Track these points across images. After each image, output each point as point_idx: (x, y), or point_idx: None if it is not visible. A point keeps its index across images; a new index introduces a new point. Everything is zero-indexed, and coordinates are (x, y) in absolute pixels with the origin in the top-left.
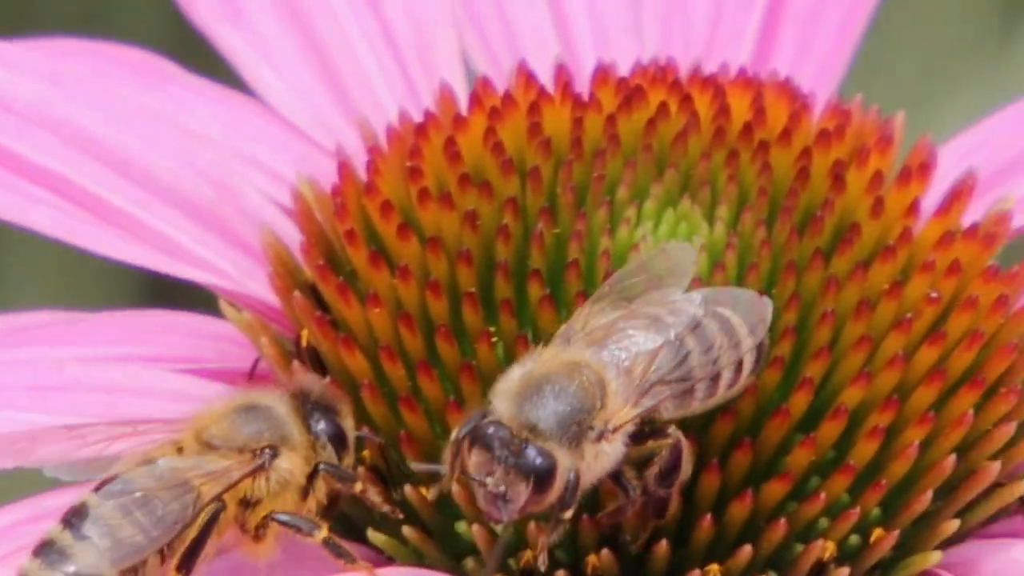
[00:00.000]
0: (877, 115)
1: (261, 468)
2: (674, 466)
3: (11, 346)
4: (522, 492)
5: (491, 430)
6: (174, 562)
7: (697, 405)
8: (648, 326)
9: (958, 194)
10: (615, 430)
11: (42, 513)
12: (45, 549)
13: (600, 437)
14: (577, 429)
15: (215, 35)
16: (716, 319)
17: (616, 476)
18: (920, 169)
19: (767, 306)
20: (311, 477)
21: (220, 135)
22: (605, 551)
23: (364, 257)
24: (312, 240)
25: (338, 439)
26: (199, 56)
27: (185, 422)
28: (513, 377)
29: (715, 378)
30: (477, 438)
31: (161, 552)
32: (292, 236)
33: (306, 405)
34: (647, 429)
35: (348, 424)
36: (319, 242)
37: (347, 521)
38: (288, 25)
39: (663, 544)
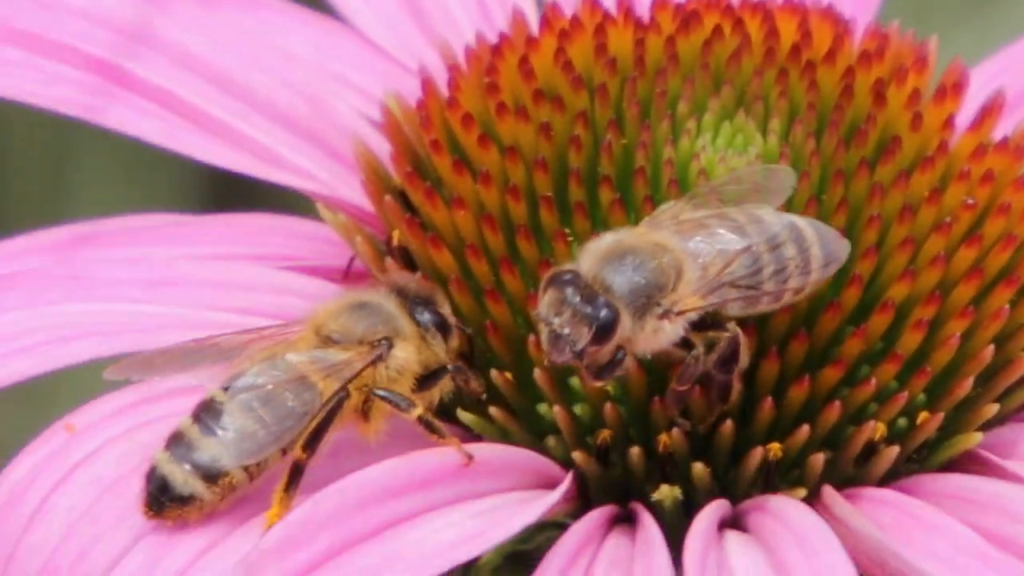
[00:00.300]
0: (913, 39)
1: (380, 358)
2: (732, 356)
3: (124, 245)
4: (583, 336)
5: (568, 277)
6: (299, 445)
7: (761, 308)
8: (735, 230)
9: (989, 110)
10: (679, 314)
11: (151, 396)
12: (175, 441)
13: (664, 316)
14: (645, 301)
15: None
16: (796, 244)
17: (684, 357)
18: (954, 88)
19: (845, 247)
20: (435, 374)
21: (312, 56)
22: (675, 431)
23: (448, 165)
24: (400, 150)
25: (442, 326)
26: None
27: (302, 322)
28: (604, 241)
29: (780, 293)
30: (553, 281)
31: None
32: (381, 147)
33: (408, 299)
34: (710, 321)
35: (447, 311)
36: (406, 152)
37: (440, 404)
38: None
39: (728, 424)
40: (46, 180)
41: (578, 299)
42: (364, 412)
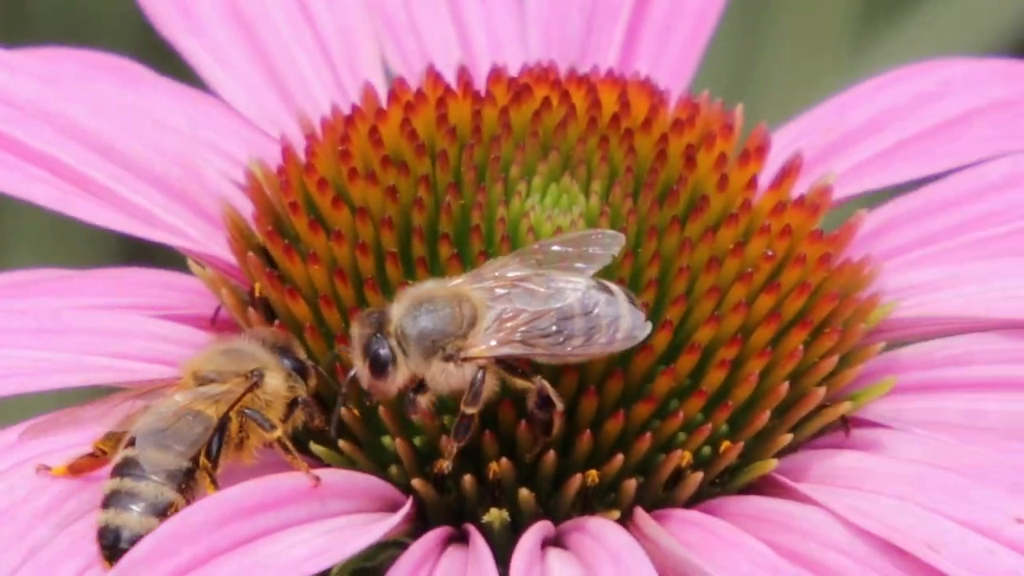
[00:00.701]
0: (721, 107)
1: (255, 384)
2: (546, 400)
3: (15, 297)
4: (363, 368)
5: (370, 316)
6: (203, 459)
7: (568, 361)
8: (540, 293)
9: (788, 171)
10: (465, 359)
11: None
12: (113, 499)
13: (449, 358)
14: (431, 345)
15: (178, 43)
16: (586, 317)
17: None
18: (757, 151)
19: (646, 329)
20: (291, 406)
21: (184, 125)
22: (504, 460)
23: (305, 224)
24: (262, 210)
25: (301, 370)
26: (166, 60)
27: (179, 375)
28: (417, 288)
29: (577, 352)
30: (358, 318)
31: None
32: (246, 208)
33: (269, 346)
34: (519, 370)
35: (302, 356)
36: (268, 212)
37: (294, 438)
38: (238, 34)
39: (551, 454)
40: None
41: (365, 335)
42: (240, 439)
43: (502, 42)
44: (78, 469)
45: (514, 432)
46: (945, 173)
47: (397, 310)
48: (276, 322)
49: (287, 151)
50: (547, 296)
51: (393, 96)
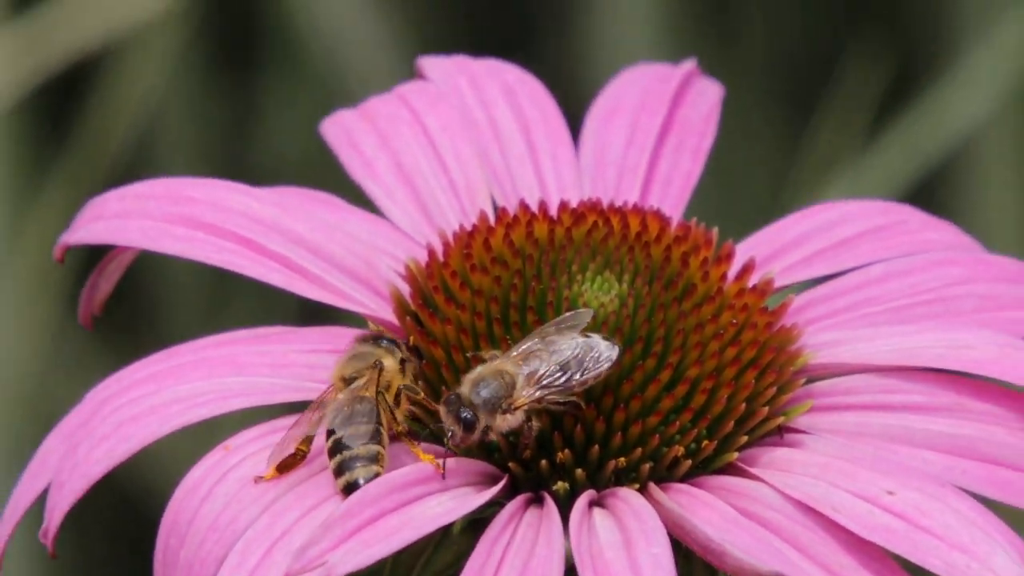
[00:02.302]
0: (705, 228)
1: (382, 369)
2: (575, 407)
3: (255, 344)
4: (458, 430)
5: (451, 397)
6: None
7: (576, 390)
8: (548, 355)
9: (746, 269)
10: (515, 408)
11: (272, 429)
12: (342, 467)
13: (506, 411)
14: (495, 405)
15: (362, 184)
16: (578, 361)
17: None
18: (727, 257)
19: (615, 351)
20: (397, 394)
21: (366, 237)
22: (567, 450)
23: (442, 299)
24: (415, 291)
25: (412, 353)
26: (353, 195)
27: (330, 385)
28: (474, 372)
29: (576, 386)
30: (444, 400)
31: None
32: (404, 289)
33: (377, 342)
34: (556, 401)
35: (403, 350)
36: (418, 292)
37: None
38: (399, 180)
39: (595, 448)
40: (205, 302)
41: (452, 410)
42: (390, 409)
43: (566, 186)
44: (284, 468)
45: (573, 432)
46: (845, 271)
47: (465, 389)
48: (423, 361)
49: (431, 253)
50: (550, 355)
51: (498, 219)
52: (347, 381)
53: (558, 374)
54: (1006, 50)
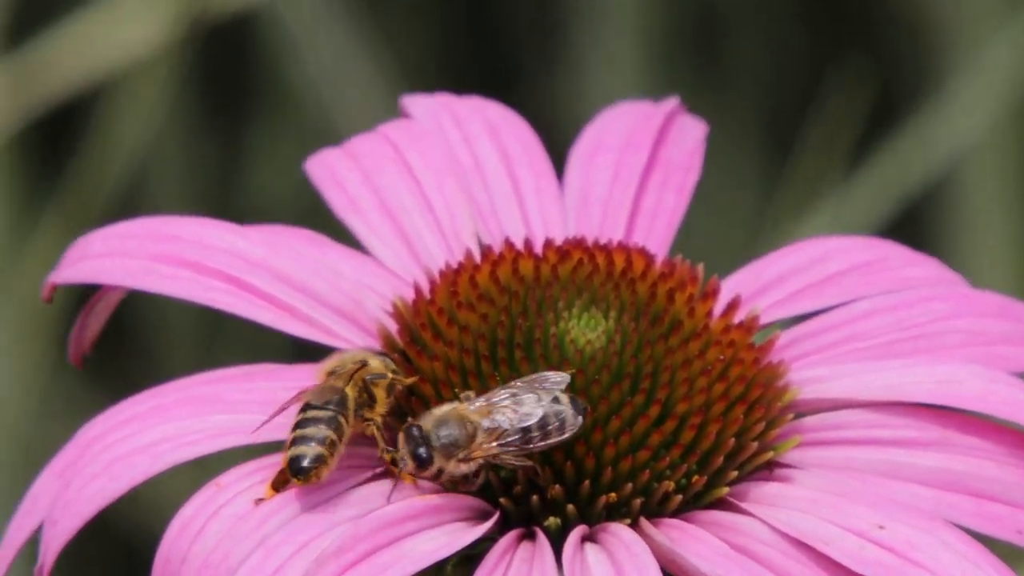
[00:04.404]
0: (690, 265)
1: (364, 365)
2: (532, 472)
3: (244, 381)
4: (411, 463)
5: (412, 429)
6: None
7: (534, 452)
8: (513, 414)
9: (732, 306)
10: (470, 460)
11: (261, 466)
12: (295, 442)
13: (462, 460)
14: (452, 452)
15: (346, 221)
16: (541, 426)
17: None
18: (712, 293)
19: (579, 422)
20: (388, 389)
21: (351, 274)
22: (557, 486)
23: (430, 336)
24: (403, 328)
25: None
26: (338, 233)
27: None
28: (438, 409)
29: (544, 445)
30: (404, 430)
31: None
32: (392, 326)
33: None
34: (513, 456)
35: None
36: (406, 329)
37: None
38: (384, 218)
39: (586, 483)
40: (198, 340)
41: (410, 443)
42: (359, 406)
43: (551, 223)
44: (279, 485)
45: (563, 468)
46: (830, 308)
47: (427, 424)
48: (412, 397)
49: (418, 291)
50: (516, 415)
51: (484, 256)
52: (328, 376)
53: (518, 436)
54: (988, 79)
